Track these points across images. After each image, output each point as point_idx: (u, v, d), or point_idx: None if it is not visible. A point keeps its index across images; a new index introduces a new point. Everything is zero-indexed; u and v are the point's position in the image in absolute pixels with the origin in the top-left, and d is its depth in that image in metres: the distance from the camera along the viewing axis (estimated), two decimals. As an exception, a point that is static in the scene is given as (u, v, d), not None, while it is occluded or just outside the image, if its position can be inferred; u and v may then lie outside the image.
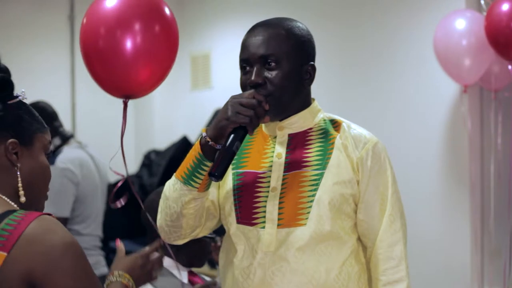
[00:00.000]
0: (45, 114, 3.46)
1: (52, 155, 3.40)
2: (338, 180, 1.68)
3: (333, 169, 1.69)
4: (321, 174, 1.68)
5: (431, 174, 3.83)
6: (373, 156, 1.72)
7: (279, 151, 1.73)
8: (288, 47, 1.70)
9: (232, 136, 1.60)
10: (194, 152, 1.66)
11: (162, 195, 1.75)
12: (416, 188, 3.91)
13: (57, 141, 3.44)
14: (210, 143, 1.62)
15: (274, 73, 1.68)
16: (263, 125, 1.80)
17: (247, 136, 1.77)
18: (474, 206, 3.64)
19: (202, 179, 1.65)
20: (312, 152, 1.72)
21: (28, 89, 5.80)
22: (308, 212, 1.66)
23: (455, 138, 3.72)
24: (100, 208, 3.61)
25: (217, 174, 1.58)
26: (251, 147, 1.79)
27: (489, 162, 3.58)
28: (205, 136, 1.63)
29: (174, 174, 1.71)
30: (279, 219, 1.68)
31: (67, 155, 3.44)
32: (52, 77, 5.64)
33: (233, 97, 1.63)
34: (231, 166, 1.76)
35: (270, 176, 1.72)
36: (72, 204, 3.39)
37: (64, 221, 3.28)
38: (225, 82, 5.25)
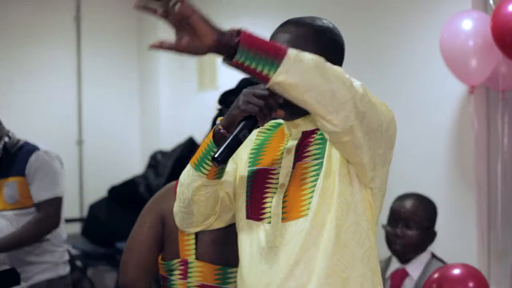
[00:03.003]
0: None
1: (23, 145, 3.26)
2: (337, 165, 1.68)
3: (329, 154, 1.69)
4: (320, 164, 1.68)
5: (437, 175, 3.83)
6: None
7: (290, 148, 1.75)
8: (314, 48, 1.68)
9: (241, 124, 1.62)
10: (207, 140, 1.69)
11: (179, 182, 1.79)
12: (422, 189, 3.90)
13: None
14: (222, 131, 1.65)
15: None
16: (284, 123, 1.82)
17: (268, 134, 1.83)
18: (481, 207, 3.63)
19: (211, 166, 1.67)
20: (313, 145, 1.73)
21: (34, 89, 5.90)
22: (309, 203, 1.67)
23: (462, 139, 3.72)
24: None
25: (219, 159, 1.59)
26: (269, 144, 1.81)
27: (495, 163, 3.57)
28: (219, 124, 1.67)
29: (190, 160, 1.76)
30: (283, 213, 1.69)
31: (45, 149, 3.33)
32: (58, 78, 5.66)
33: (248, 88, 1.65)
34: (247, 164, 1.79)
35: (279, 173, 1.73)
36: None
37: (61, 200, 3.24)
38: (231, 82, 5.24)
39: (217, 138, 1.66)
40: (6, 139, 3.22)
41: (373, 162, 1.65)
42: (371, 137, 1.60)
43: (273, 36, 1.75)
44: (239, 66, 1.50)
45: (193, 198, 1.73)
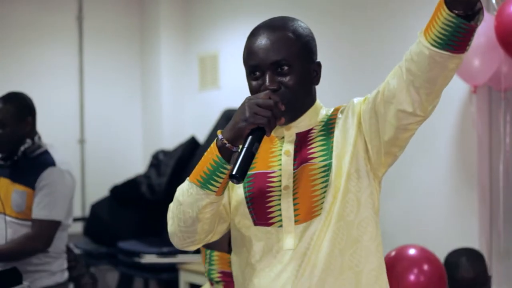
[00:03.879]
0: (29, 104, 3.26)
1: (42, 154, 3.19)
2: (346, 164, 1.69)
3: (338, 154, 1.70)
4: (329, 164, 1.69)
5: (440, 175, 3.83)
6: (361, 101, 1.73)
7: (287, 148, 1.74)
8: (297, 49, 1.70)
9: (250, 137, 1.59)
10: (210, 155, 1.63)
11: (175, 201, 1.71)
12: (424, 188, 3.90)
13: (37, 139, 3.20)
14: (227, 145, 1.60)
15: (288, 77, 1.68)
16: None
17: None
18: (483, 206, 3.63)
19: (221, 183, 1.63)
20: (316, 146, 1.73)
21: (36, 89, 5.88)
22: (322, 203, 1.67)
23: (464, 138, 3.72)
24: None
25: (239, 176, 1.55)
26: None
27: (498, 162, 3.57)
28: (222, 138, 1.61)
29: (188, 178, 1.68)
30: (295, 215, 1.68)
31: (62, 158, 3.22)
32: (60, 77, 5.66)
33: (249, 98, 1.61)
34: None
35: (280, 175, 1.72)
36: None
37: (59, 224, 3.13)
38: (233, 82, 5.25)
39: (223, 153, 1.61)
40: (30, 142, 3.15)
41: (399, 156, 1.71)
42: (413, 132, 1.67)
43: (251, 43, 1.72)
44: (473, 29, 1.48)
45: (198, 217, 1.67)
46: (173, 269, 4.73)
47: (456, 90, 3.69)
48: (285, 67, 1.68)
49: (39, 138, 3.22)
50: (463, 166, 3.74)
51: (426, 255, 2.72)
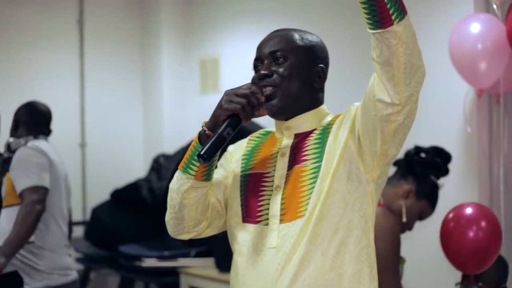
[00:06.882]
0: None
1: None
2: (334, 166, 1.70)
3: (328, 157, 1.72)
4: (319, 167, 1.71)
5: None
6: (359, 105, 1.74)
7: (284, 151, 1.79)
8: (297, 45, 1.78)
9: (225, 122, 1.67)
10: (193, 142, 1.75)
11: (169, 189, 1.83)
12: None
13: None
14: (207, 132, 1.71)
15: (281, 66, 1.76)
16: (275, 127, 1.86)
17: (258, 140, 1.88)
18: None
19: (198, 166, 1.72)
20: (311, 149, 1.76)
21: (37, 92, 5.89)
22: (307, 204, 1.70)
23: (464, 142, 3.72)
24: (65, 207, 3.43)
25: (205, 156, 1.63)
26: (260, 149, 1.85)
27: (497, 165, 3.57)
28: (203, 126, 1.73)
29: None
30: (281, 214, 1.72)
31: (34, 143, 3.30)
32: (61, 81, 5.68)
33: (231, 89, 1.72)
34: (240, 169, 1.83)
35: (274, 175, 1.77)
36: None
37: (46, 191, 3.15)
38: (233, 86, 5.24)
39: (203, 139, 1.71)
40: (11, 139, 3.21)
41: (393, 157, 1.70)
42: (405, 132, 1.64)
43: (258, 45, 1.82)
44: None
45: (182, 202, 1.77)
46: (174, 272, 4.73)
47: (456, 94, 3.70)
48: (281, 58, 1.76)
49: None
50: (464, 169, 3.74)
51: (484, 213, 2.83)
